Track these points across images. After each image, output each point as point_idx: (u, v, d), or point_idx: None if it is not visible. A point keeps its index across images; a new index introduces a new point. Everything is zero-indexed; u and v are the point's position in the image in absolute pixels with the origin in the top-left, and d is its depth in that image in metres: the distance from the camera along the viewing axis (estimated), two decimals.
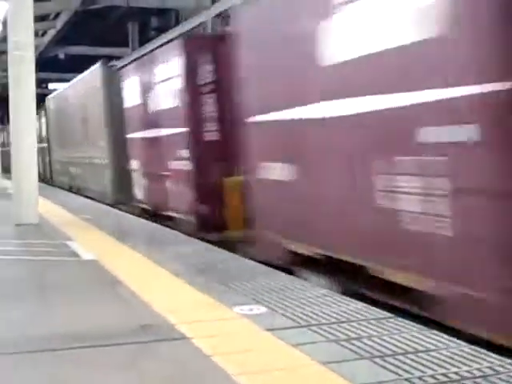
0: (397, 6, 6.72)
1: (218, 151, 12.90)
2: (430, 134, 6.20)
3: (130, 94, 17.42)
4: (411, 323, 5.45)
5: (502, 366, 4.34)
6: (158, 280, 7.54)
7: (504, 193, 5.58)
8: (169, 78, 13.81)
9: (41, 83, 37.06)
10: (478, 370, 4.29)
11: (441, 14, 6.03)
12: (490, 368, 4.31)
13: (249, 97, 10.19)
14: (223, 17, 14.66)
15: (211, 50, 12.77)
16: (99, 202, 19.48)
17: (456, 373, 4.25)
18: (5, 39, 15.14)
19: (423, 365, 4.41)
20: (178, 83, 13.26)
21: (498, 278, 5.64)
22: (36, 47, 17.48)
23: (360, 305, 6.11)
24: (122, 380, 4.41)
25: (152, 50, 16.26)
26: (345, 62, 7.49)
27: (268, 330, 5.32)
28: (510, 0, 5.49)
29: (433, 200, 6.21)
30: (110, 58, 25.81)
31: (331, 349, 4.83)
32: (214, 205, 12.62)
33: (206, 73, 12.78)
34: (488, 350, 4.75)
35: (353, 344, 4.90)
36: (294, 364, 4.52)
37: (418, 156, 6.42)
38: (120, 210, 17.38)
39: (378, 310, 5.94)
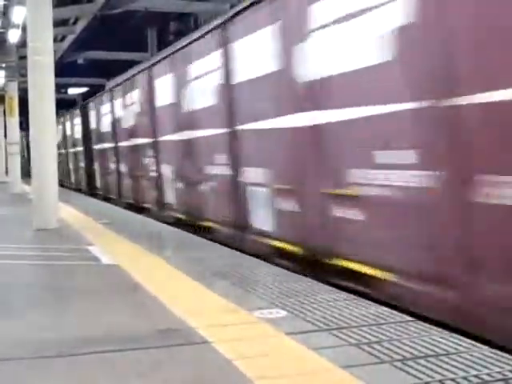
0: None
1: None
2: None
3: None
4: (431, 327, 5.44)
5: None
6: (179, 284, 7.55)
7: None
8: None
9: (60, 88, 37.26)
10: (499, 373, 4.28)
11: None
12: (511, 371, 4.30)
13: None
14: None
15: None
16: None
17: (476, 376, 4.24)
18: (24, 44, 15.24)
19: (444, 368, 4.40)
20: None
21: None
22: (55, 52, 17.55)
23: (380, 308, 6.11)
24: None
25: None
26: None
27: (288, 333, 5.32)
28: None
29: None
30: (128, 62, 25.90)
31: (352, 353, 4.83)
32: None
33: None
34: (510, 353, 4.73)
35: (373, 348, 4.90)
36: (315, 368, 4.52)
37: None
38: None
39: (398, 313, 5.93)
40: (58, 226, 13.08)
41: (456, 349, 4.81)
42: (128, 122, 20.26)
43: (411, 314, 6.06)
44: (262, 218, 10.58)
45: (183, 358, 4.91)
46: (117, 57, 32.19)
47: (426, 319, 5.86)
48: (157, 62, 16.75)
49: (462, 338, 5.11)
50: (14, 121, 29.17)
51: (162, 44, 25.86)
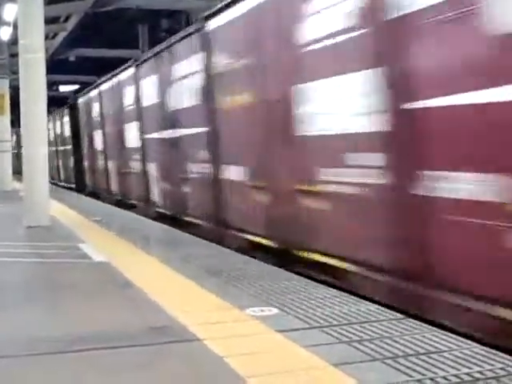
0: None
1: None
2: None
3: None
4: (423, 324, 5.44)
5: None
6: (170, 282, 7.55)
7: None
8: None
9: (51, 85, 37.19)
10: (491, 370, 4.29)
11: None
12: (502, 369, 4.30)
13: None
14: None
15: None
16: None
17: (468, 374, 4.25)
18: (16, 42, 15.21)
19: (435, 366, 4.41)
20: None
21: None
22: (46, 49, 17.51)
23: (371, 306, 6.11)
24: (134, 381, 4.42)
25: None
26: None
27: (279, 331, 5.32)
28: None
29: None
30: (120, 60, 25.88)
31: (343, 350, 4.83)
32: None
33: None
34: (500, 351, 4.74)
35: (364, 345, 4.90)
36: (306, 365, 4.52)
37: None
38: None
39: (389, 311, 5.93)
40: (49, 223, 13.05)
41: (447, 346, 4.82)
42: None
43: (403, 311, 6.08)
44: None
45: (175, 355, 4.91)
46: (108, 54, 32.12)
47: (417, 317, 5.88)
48: None
49: (453, 335, 5.12)
50: (6, 119, 29.07)
51: (154, 41, 25.84)
